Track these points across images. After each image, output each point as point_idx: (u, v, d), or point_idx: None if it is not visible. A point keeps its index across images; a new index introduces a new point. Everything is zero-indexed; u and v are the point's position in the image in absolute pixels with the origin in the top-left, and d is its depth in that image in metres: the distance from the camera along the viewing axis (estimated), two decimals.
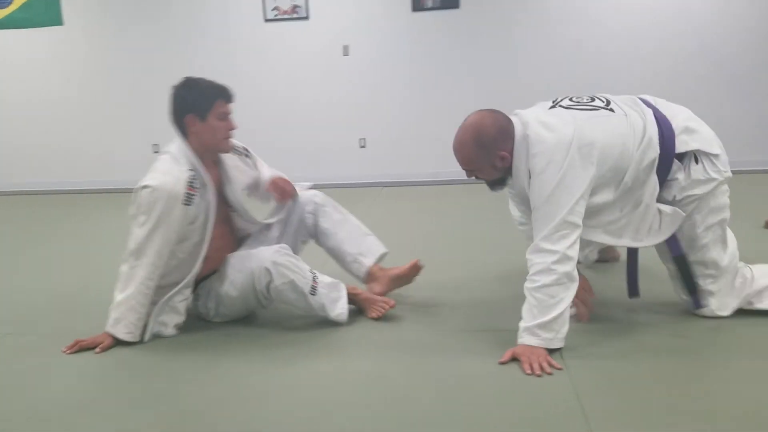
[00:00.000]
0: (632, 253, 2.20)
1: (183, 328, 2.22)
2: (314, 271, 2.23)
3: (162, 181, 2.06)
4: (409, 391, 1.75)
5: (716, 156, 2.02)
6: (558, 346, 1.90)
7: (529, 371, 1.80)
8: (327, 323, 2.23)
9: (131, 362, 2.02)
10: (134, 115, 6.12)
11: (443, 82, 5.76)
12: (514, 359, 1.87)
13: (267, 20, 5.82)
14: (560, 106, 2.08)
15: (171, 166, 2.14)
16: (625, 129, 1.97)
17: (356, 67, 5.83)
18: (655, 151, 1.96)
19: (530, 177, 1.96)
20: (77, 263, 3.36)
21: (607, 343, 2.03)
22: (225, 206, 2.34)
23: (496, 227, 3.72)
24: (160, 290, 2.13)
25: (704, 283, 2.10)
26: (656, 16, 5.43)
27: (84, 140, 6.25)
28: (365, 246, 2.52)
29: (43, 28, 5.86)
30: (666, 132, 2.00)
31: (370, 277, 2.46)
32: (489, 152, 2.01)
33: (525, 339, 1.89)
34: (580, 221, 1.91)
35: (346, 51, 5.81)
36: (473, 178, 2.13)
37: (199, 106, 2.18)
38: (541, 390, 1.72)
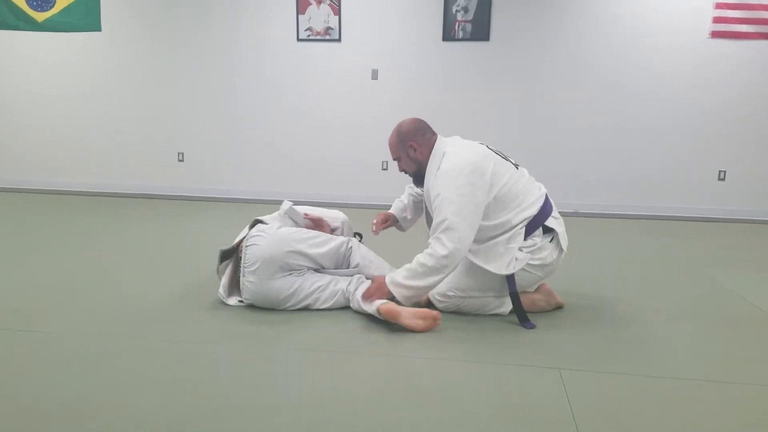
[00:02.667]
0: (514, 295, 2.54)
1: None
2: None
3: None
4: (400, 400, 1.75)
5: (561, 250, 2.60)
6: (398, 299, 2.45)
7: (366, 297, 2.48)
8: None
9: (134, 367, 2.04)
10: (163, 125, 6.24)
11: (468, 112, 5.80)
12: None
13: (299, 40, 5.92)
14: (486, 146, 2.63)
15: None
16: (523, 182, 2.58)
17: (384, 91, 5.90)
18: (534, 210, 2.53)
19: (435, 175, 2.49)
20: (94, 263, 3.40)
21: (604, 359, 2.13)
22: None
23: None
24: None
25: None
26: (692, 61, 5.44)
27: (113, 146, 6.37)
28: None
29: (81, 33, 6.01)
30: (547, 207, 2.60)
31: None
32: (403, 142, 2.62)
33: (389, 283, 2.46)
34: (465, 225, 2.37)
35: (375, 75, 5.89)
36: (404, 172, 2.69)
37: None
38: (538, 404, 1.73)
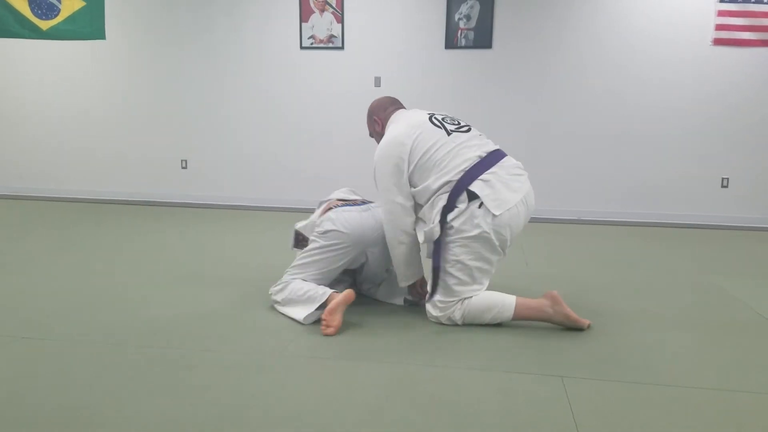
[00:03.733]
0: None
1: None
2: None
3: None
4: (404, 407, 1.75)
5: (494, 216, 2.45)
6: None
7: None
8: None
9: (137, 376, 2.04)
10: (166, 132, 6.26)
11: (471, 119, 5.79)
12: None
13: (303, 48, 5.95)
14: (434, 117, 2.74)
15: None
16: (450, 147, 2.58)
17: None
18: (456, 175, 2.51)
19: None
20: (103, 271, 3.41)
21: (607, 366, 2.12)
22: None
23: (509, 266, 3.73)
24: None
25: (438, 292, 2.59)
26: (695, 68, 5.44)
27: (116, 153, 6.39)
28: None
29: (86, 41, 6.05)
30: (475, 171, 2.52)
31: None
32: (370, 117, 2.93)
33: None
34: (392, 194, 2.59)
35: (377, 82, 5.90)
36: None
37: None
38: (540, 412, 1.73)
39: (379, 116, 2.88)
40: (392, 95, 5.95)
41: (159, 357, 2.17)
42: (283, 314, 2.66)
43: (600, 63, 5.57)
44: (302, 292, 2.61)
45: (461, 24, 5.68)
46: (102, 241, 4.27)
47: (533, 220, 5.62)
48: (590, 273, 3.61)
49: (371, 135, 2.98)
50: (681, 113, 5.51)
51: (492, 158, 2.60)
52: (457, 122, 2.76)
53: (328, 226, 2.67)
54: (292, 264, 2.74)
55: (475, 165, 2.54)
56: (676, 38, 5.42)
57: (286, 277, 2.72)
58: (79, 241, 4.27)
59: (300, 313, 2.57)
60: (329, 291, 2.57)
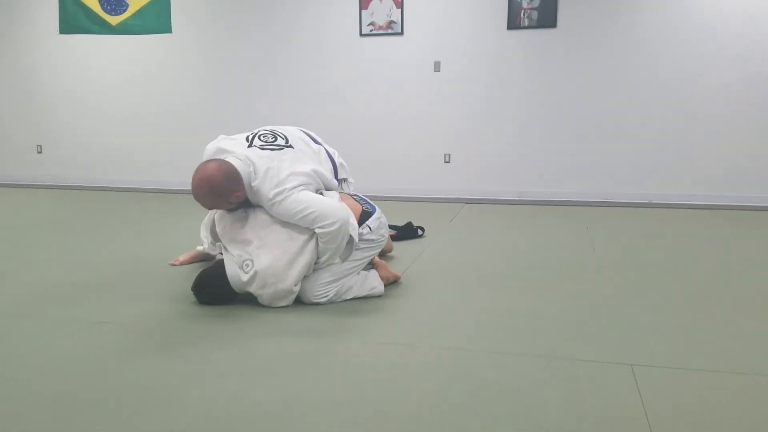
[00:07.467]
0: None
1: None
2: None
3: None
4: (465, 395, 1.71)
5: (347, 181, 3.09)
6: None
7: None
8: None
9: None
10: (230, 123, 6.38)
11: (535, 102, 5.65)
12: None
13: (362, 35, 5.93)
14: (255, 146, 2.65)
15: None
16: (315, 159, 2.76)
17: (446, 83, 5.83)
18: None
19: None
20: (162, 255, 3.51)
21: (680, 354, 2.02)
22: None
23: (575, 251, 3.61)
24: None
25: None
26: (761, 40, 5.12)
27: (177, 144, 6.56)
28: None
29: (153, 35, 6.23)
30: (334, 165, 2.92)
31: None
32: (228, 194, 2.58)
33: None
34: None
35: (437, 67, 5.82)
36: None
37: None
38: (608, 402, 1.65)
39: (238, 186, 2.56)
40: (452, 80, 5.90)
41: (224, 340, 2.20)
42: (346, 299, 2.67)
43: (674, 41, 5.29)
44: (354, 280, 2.67)
45: (524, 3, 5.51)
46: (170, 228, 4.39)
47: (600, 204, 5.43)
48: (663, 257, 3.45)
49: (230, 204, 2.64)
50: (763, 90, 5.18)
51: (312, 136, 3.04)
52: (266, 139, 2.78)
53: (383, 230, 2.82)
54: (329, 279, 2.62)
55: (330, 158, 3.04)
56: (756, 11, 5.09)
57: (330, 291, 2.63)
58: (139, 226, 4.42)
59: (371, 283, 2.70)
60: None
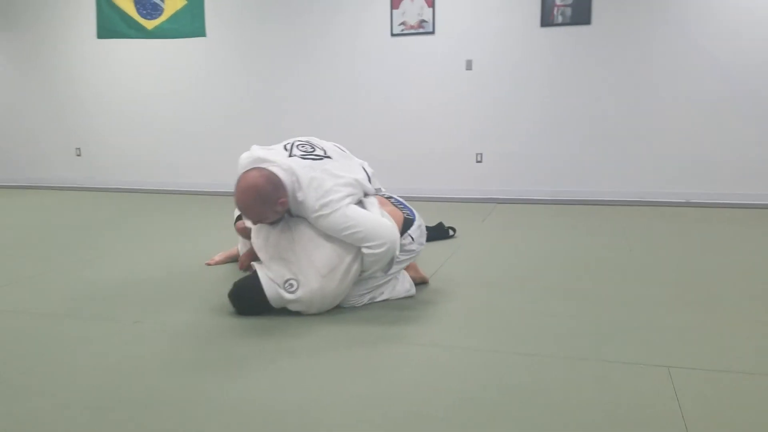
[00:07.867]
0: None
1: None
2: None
3: None
4: (494, 396, 1.69)
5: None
6: None
7: None
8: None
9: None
10: (262, 125, 6.44)
11: (569, 100, 5.57)
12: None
13: (393, 35, 5.92)
14: (295, 155, 2.58)
15: None
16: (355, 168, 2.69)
17: (478, 82, 5.79)
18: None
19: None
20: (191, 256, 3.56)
21: (718, 355, 1.98)
22: None
23: (611, 252, 3.55)
24: None
25: None
26: None
27: (213, 146, 6.65)
28: None
29: (187, 39, 6.32)
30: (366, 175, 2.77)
31: None
32: (273, 203, 2.48)
33: None
34: None
35: (469, 65, 5.79)
36: None
37: None
38: (644, 405, 1.62)
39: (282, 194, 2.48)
40: (484, 78, 5.86)
41: (264, 335, 2.22)
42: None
43: (710, 36, 5.17)
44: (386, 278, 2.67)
45: (558, 0, 5.45)
46: (206, 231, 4.46)
47: (636, 203, 5.33)
48: (697, 258, 3.37)
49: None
50: None
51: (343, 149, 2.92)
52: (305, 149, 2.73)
53: (423, 237, 2.79)
54: (367, 290, 2.63)
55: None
56: None
57: (365, 297, 2.65)
58: (186, 228, 4.49)
59: (403, 285, 2.73)
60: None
